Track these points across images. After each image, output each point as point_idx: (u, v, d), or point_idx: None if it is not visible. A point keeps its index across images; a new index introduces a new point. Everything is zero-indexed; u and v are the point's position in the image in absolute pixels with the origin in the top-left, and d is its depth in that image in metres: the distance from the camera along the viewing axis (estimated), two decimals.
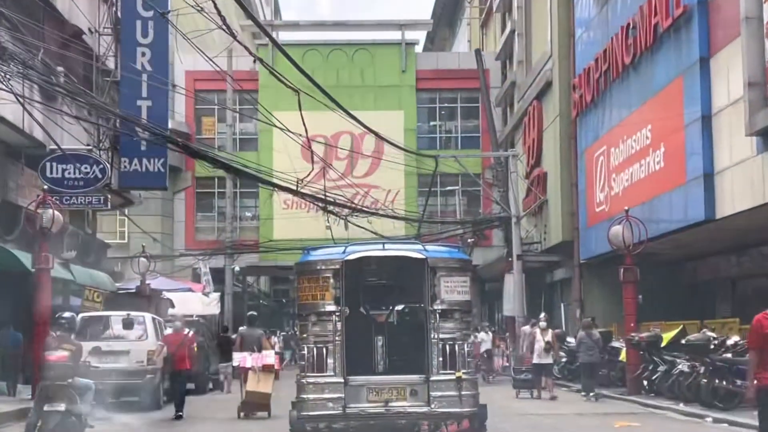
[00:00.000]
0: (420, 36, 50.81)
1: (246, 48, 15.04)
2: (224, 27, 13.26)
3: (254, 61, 14.70)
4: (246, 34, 52.63)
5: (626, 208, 20.54)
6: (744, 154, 18.18)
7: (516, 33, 38.85)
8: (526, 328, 22.98)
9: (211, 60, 15.72)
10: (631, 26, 24.11)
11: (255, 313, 18.09)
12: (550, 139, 32.71)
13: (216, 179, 42.17)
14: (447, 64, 45.51)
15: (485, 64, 40.40)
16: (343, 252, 12.23)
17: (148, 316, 19.18)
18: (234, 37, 12.75)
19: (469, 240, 35.61)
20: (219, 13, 13.11)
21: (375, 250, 12.60)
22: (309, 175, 17.95)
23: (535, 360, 20.68)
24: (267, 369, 14.59)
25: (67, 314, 12.43)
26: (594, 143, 28.22)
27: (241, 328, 17.96)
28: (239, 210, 43.09)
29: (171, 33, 40.33)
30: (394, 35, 45.69)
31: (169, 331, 17.77)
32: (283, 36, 51.34)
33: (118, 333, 18.69)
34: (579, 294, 30.18)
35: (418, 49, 47.90)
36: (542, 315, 22.09)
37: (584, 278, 30.18)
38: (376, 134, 23.96)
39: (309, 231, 37.93)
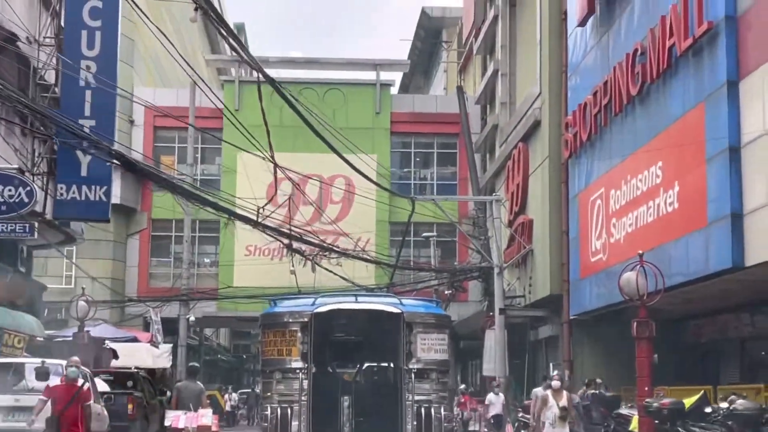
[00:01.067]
0: (396, 77, 48.42)
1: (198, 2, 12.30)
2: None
3: (196, 13, 11.93)
4: (211, 69, 50.07)
5: (640, 252, 17.76)
6: None
7: (499, 73, 36.34)
8: (538, 390, 19.68)
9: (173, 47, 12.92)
10: (638, 53, 21.60)
11: (197, 365, 15.09)
12: (538, 184, 30.06)
13: (174, 222, 39.33)
14: (424, 107, 43.00)
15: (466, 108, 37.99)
16: (312, 304, 11.57)
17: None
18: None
19: (446, 292, 32.82)
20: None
21: (347, 303, 11.99)
22: (271, 200, 15.16)
23: (547, 430, 17.43)
24: (202, 430, 11.83)
25: None
26: (589, 186, 25.54)
27: (178, 383, 14.70)
28: (197, 256, 40.06)
29: (131, 66, 37.80)
30: (369, 75, 43.24)
31: (56, 381, 14.12)
32: (252, 72, 48.67)
33: (32, 385, 15.40)
34: (568, 353, 27.34)
35: (393, 90, 45.41)
36: (554, 373, 18.95)
37: (574, 336, 27.39)
38: (355, 168, 21.72)
39: (272, 279, 35.42)
